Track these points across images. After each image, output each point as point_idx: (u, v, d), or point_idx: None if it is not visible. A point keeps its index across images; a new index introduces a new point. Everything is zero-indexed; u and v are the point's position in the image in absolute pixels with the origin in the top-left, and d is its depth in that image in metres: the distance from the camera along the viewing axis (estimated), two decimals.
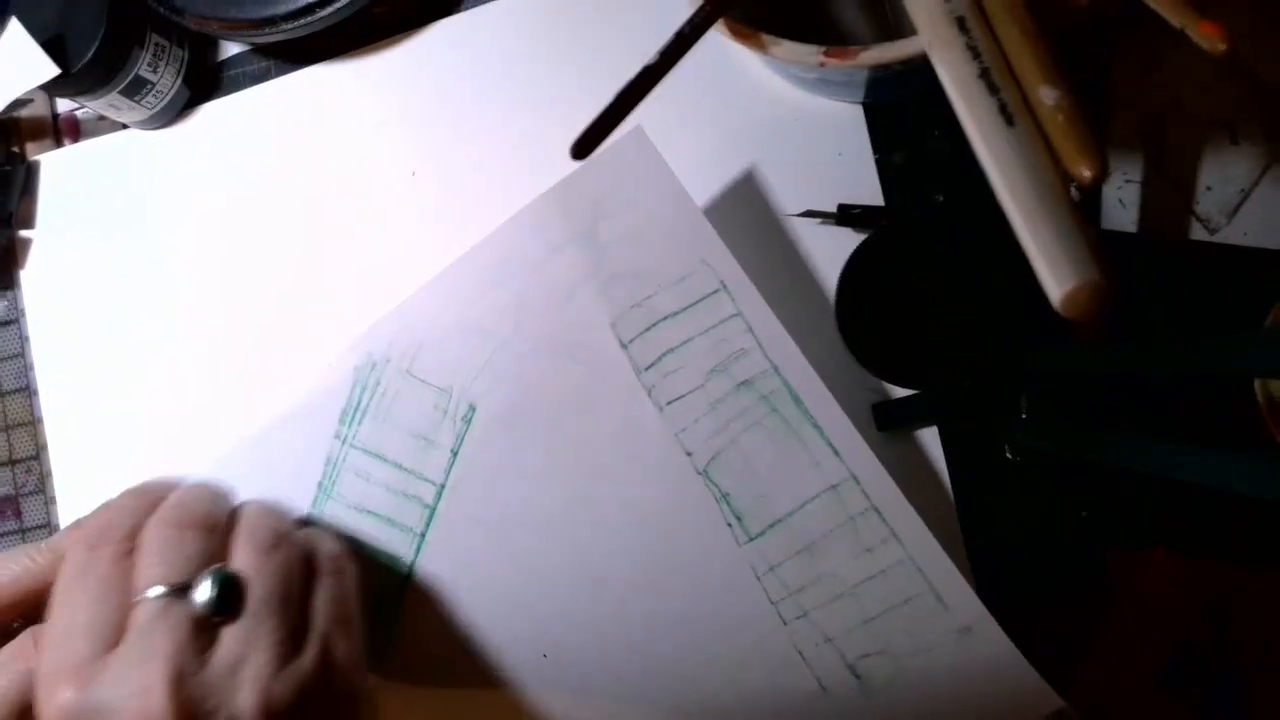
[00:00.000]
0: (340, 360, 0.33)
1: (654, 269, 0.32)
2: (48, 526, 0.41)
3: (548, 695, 0.32)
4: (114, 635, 0.24)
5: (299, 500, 0.32)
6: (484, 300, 0.33)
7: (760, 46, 0.32)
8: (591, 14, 0.40)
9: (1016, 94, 0.25)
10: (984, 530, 0.34)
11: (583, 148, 0.29)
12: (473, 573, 0.32)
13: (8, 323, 0.42)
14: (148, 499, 0.27)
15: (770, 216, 0.37)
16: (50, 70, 0.37)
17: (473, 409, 0.33)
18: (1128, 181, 0.35)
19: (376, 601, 0.32)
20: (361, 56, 0.42)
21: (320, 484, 0.33)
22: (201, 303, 0.41)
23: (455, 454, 0.33)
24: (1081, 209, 0.23)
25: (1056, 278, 0.22)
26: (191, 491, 0.28)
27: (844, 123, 0.37)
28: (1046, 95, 0.24)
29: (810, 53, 0.31)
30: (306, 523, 0.32)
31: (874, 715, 0.31)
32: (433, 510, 0.33)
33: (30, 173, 0.43)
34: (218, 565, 0.26)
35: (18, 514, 0.41)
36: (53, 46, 0.37)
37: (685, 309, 0.32)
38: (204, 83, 0.43)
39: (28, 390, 0.42)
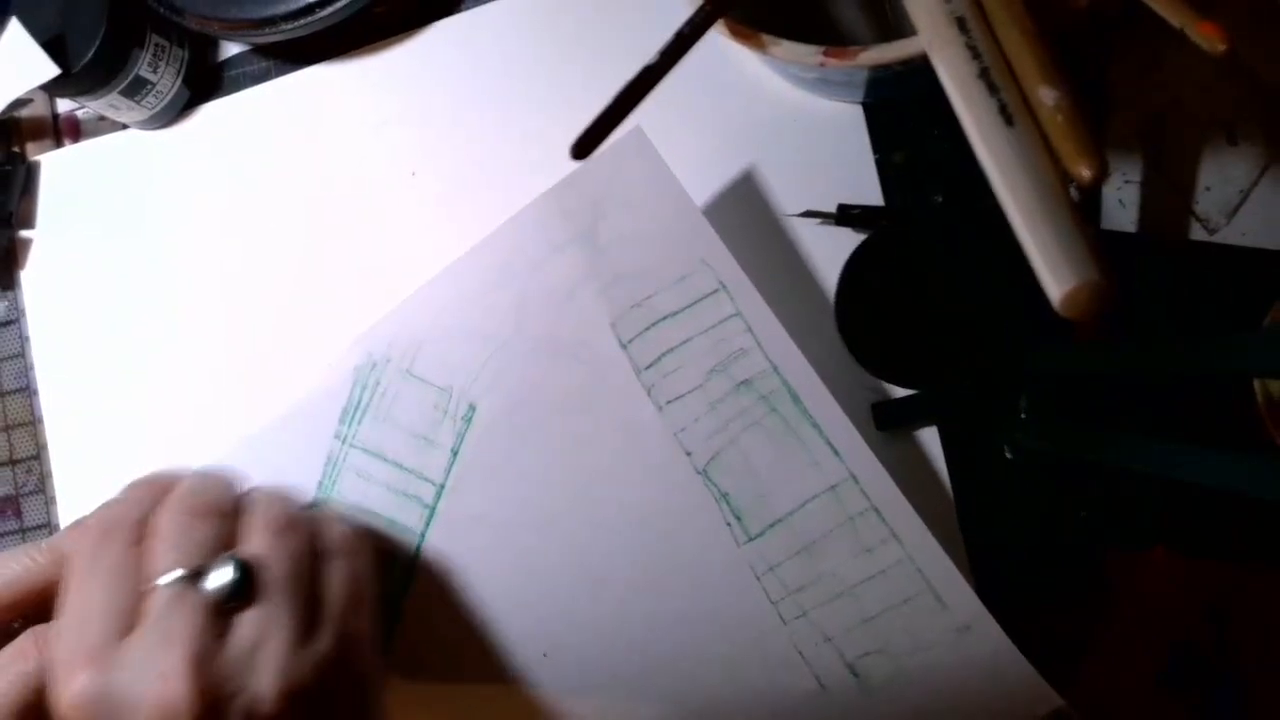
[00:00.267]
0: (340, 360, 0.33)
1: (654, 269, 0.32)
2: (48, 526, 0.41)
3: (548, 694, 0.32)
4: (128, 622, 0.24)
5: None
6: (484, 300, 0.33)
7: (760, 46, 0.32)
8: (592, 14, 0.40)
9: (1016, 94, 0.25)
10: (983, 530, 0.34)
11: (583, 148, 0.29)
12: (473, 572, 0.32)
13: (8, 323, 0.42)
14: (154, 489, 0.27)
15: (770, 216, 0.37)
16: (50, 70, 0.37)
17: (473, 409, 0.33)
18: (1127, 182, 0.35)
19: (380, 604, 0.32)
20: (362, 56, 0.42)
21: (320, 483, 0.33)
22: (202, 303, 0.41)
23: (455, 454, 0.33)
24: (1081, 209, 0.23)
25: (1056, 278, 0.22)
26: (200, 479, 0.28)
27: (844, 123, 0.37)
28: (1046, 95, 0.24)
29: (810, 53, 0.31)
30: (312, 507, 0.32)
31: (873, 714, 0.31)
32: (433, 510, 0.33)
33: (30, 173, 0.43)
34: (233, 550, 0.26)
35: (18, 514, 0.41)
36: (53, 47, 0.37)
37: (685, 309, 0.32)
38: (204, 83, 0.43)
39: (28, 390, 0.42)
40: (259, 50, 0.43)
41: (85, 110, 0.44)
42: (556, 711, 0.32)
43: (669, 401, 0.32)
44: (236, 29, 0.39)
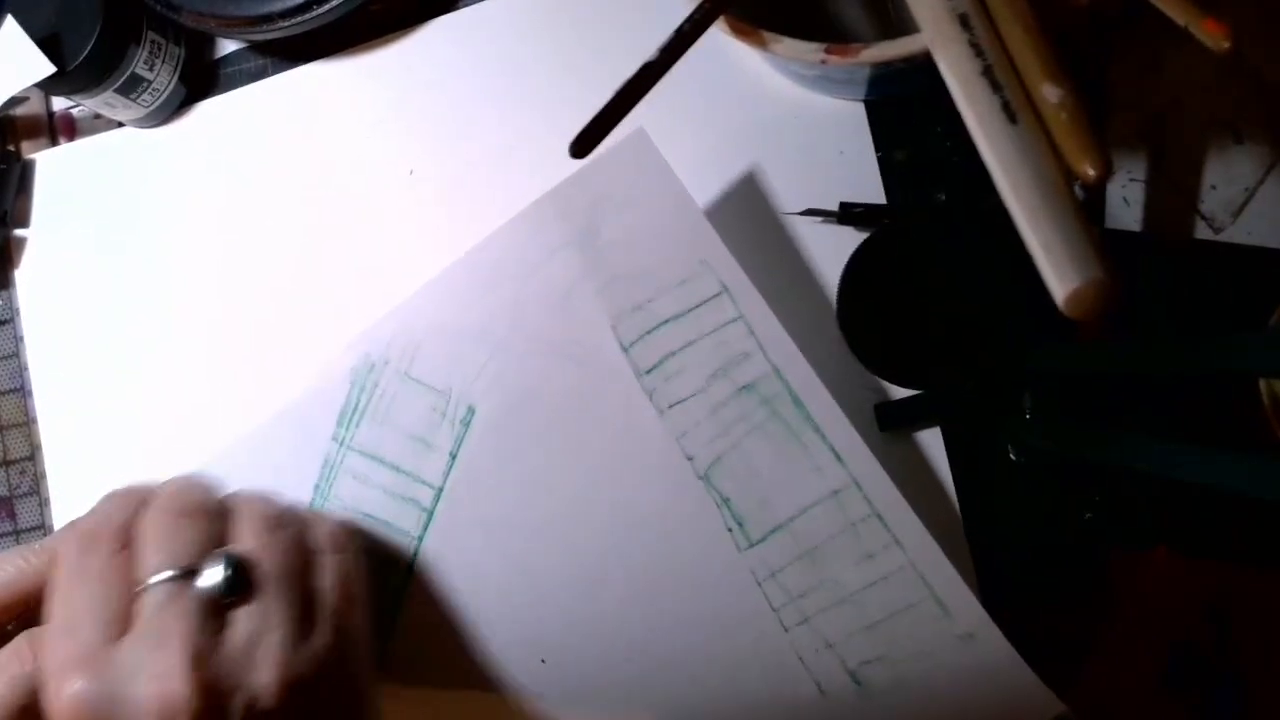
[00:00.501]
0: (338, 361, 0.33)
1: (655, 271, 0.32)
2: (42, 528, 0.40)
3: (546, 701, 0.32)
4: (120, 625, 0.24)
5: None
6: (483, 302, 0.33)
7: (761, 44, 0.32)
8: (591, 11, 0.39)
9: (1019, 92, 0.24)
10: (987, 530, 0.34)
11: (582, 146, 0.28)
12: (471, 577, 0.32)
13: (2, 322, 0.42)
14: (132, 498, 0.27)
15: (771, 215, 0.37)
16: (46, 68, 0.37)
17: (471, 411, 0.33)
18: (1132, 180, 0.35)
19: (373, 605, 0.31)
20: (359, 54, 0.41)
21: (317, 486, 0.32)
22: (198, 302, 0.41)
23: (454, 457, 0.32)
24: (1085, 208, 0.23)
25: (1060, 277, 0.22)
26: (183, 482, 0.28)
27: (846, 120, 0.37)
28: (1050, 93, 0.24)
29: (812, 50, 0.31)
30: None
31: None
32: (430, 513, 0.32)
33: (25, 171, 0.43)
34: (225, 548, 0.26)
35: (12, 516, 0.41)
36: (48, 44, 0.37)
37: (686, 312, 0.32)
38: (200, 80, 0.42)
39: (22, 391, 0.41)
40: (255, 48, 0.42)
41: (81, 108, 0.44)
42: (554, 718, 0.31)
43: (670, 405, 0.32)
44: (233, 26, 0.39)
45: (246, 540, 0.26)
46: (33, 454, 0.41)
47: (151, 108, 0.41)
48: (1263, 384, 0.32)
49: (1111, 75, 0.35)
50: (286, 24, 0.38)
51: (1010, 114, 0.24)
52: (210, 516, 0.27)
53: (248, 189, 0.41)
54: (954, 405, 0.35)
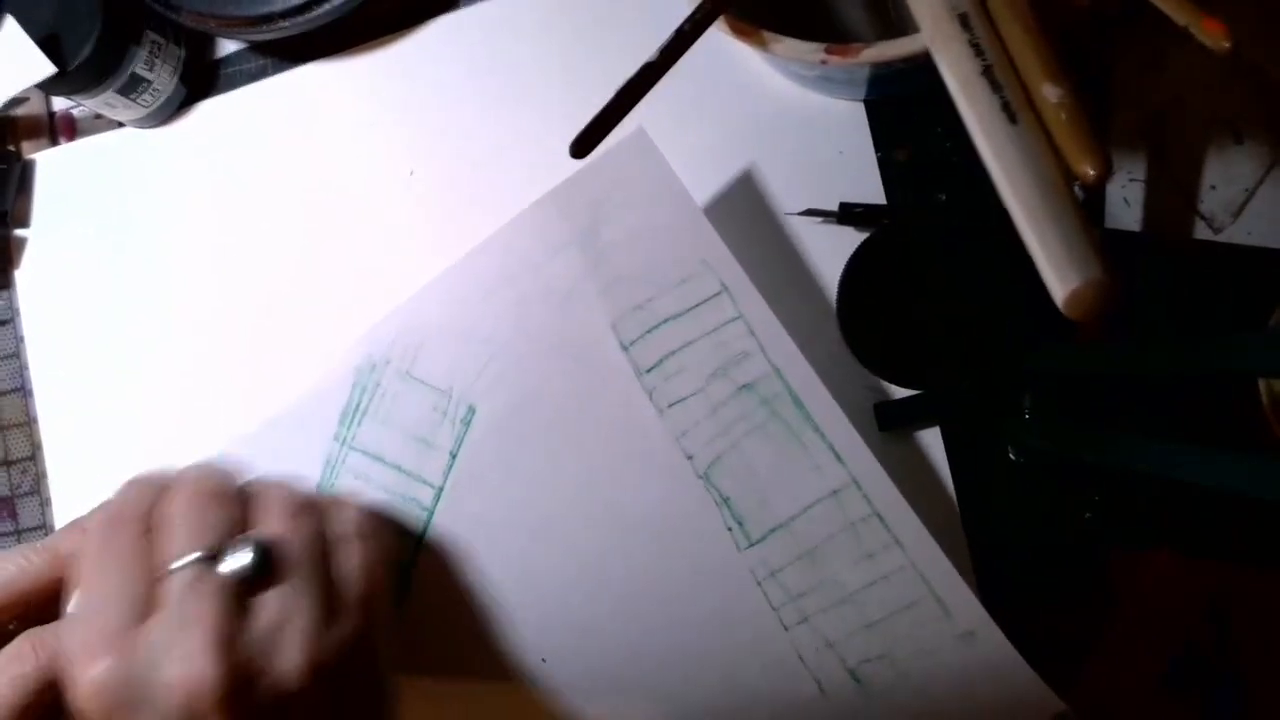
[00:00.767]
0: (340, 361, 0.33)
1: (655, 271, 0.32)
2: (43, 528, 0.40)
3: (547, 700, 0.32)
4: (144, 608, 0.24)
5: None
6: (484, 302, 0.33)
7: (761, 44, 0.32)
8: (591, 11, 0.39)
9: (1019, 92, 0.24)
10: (987, 531, 0.34)
11: (583, 146, 0.28)
12: (471, 576, 0.32)
13: (3, 322, 0.42)
14: (154, 485, 0.27)
15: (771, 215, 0.37)
16: (46, 68, 0.37)
17: (472, 411, 0.33)
18: (1131, 180, 0.35)
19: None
20: (359, 54, 0.41)
21: (319, 485, 0.32)
22: (198, 302, 0.41)
23: (454, 456, 0.32)
24: (1085, 208, 0.23)
25: (1060, 277, 0.22)
26: (205, 468, 0.28)
27: (845, 120, 0.37)
28: (1050, 93, 0.24)
29: (812, 50, 0.31)
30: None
31: None
32: (431, 513, 0.32)
33: (26, 171, 0.43)
34: (251, 532, 0.26)
35: (13, 515, 0.41)
36: (49, 44, 0.37)
37: (686, 311, 0.32)
38: (200, 81, 0.42)
39: (23, 390, 0.41)
40: (256, 48, 0.42)
41: (81, 108, 0.44)
42: (555, 717, 0.31)
43: (670, 405, 0.32)
44: (233, 26, 0.39)
45: (271, 525, 0.26)
46: (34, 454, 0.41)
47: (152, 108, 0.41)
48: (1262, 384, 0.32)
49: (1114, 73, 0.35)
50: (286, 24, 0.38)
51: (1010, 114, 0.24)
52: (233, 501, 0.27)
53: (248, 189, 0.41)
54: (953, 405, 0.35)
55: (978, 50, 0.25)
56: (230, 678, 0.23)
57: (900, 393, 0.35)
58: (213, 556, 0.25)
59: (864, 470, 0.31)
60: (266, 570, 0.25)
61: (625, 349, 0.32)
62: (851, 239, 0.36)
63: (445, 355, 0.33)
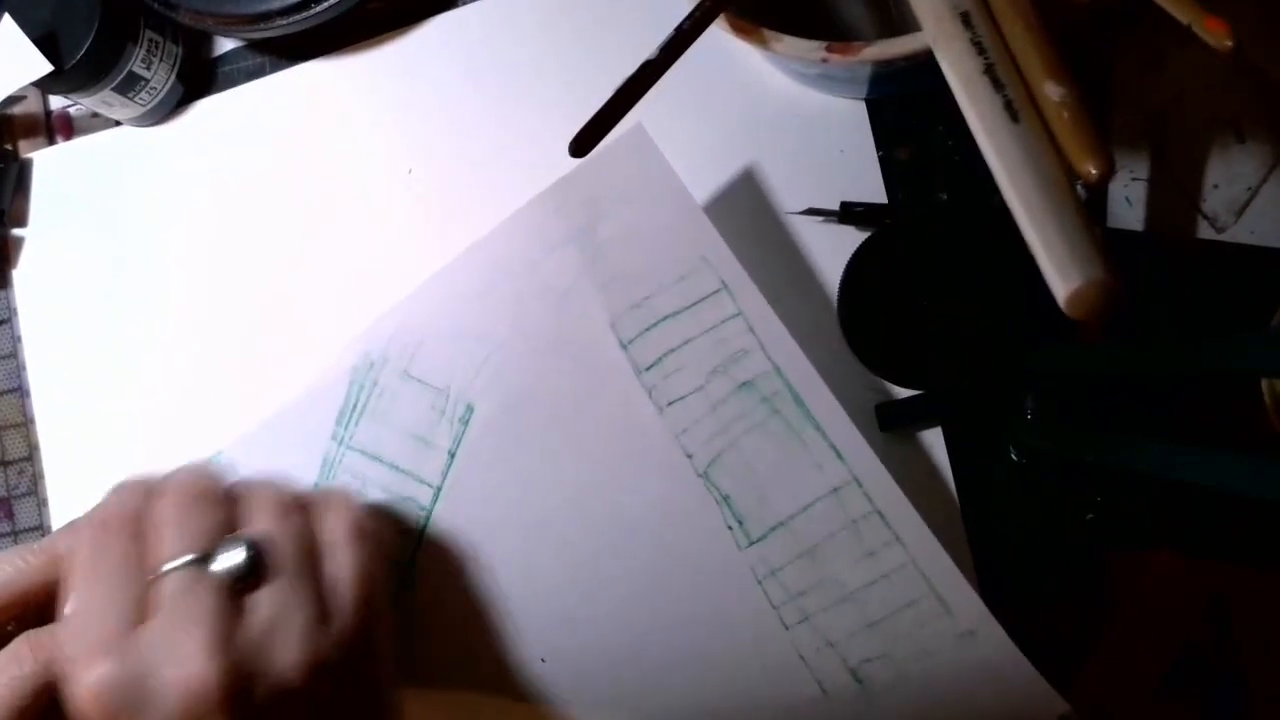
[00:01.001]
0: (337, 360, 0.33)
1: (654, 268, 0.32)
2: (40, 529, 0.40)
3: (546, 700, 0.31)
4: (139, 612, 0.24)
5: None
6: (482, 300, 0.33)
7: (762, 42, 0.32)
8: (591, 10, 0.39)
9: (1021, 90, 0.24)
10: (988, 531, 0.34)
11: (582, 145, 0.28)
12: (470, 576, 0.32)
13: (0, 322, 0.42)
14: (142, 488, 0.27)
15: (771, 214, 0.37)
16: (43, 67, 0.36)
17: (470, 410, 0.32)
18: (1134, 179, 0.35)
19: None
20: (357, 53, 0.41)
21: (317, 485, 0.32)
22: (196, 302, 0.41)
23: (453, 455, 0.32)
24: (1087, 207, 0.23)
25: (1062, 276, 0.22)
26: (192, 469, 0.28)
27: (847, 119, 0.37)
28: (1052, 91, 0.24)
29: (812, 48, 0.31)
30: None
31: None
32: (429, 512, 0.32)
33: (23, 170, 0.43)
34: (242, 532, 0.26)
35: (10, 516, 0.41)
36: (46, 43, 0.37)
37: (686, 309, 0.32)
38: (198, 79, 0.42)
39: (20, 391, 0.41)
40: (253, 46, 0.42)
41: (78, 107, 0.43)
42: (555, 716, 0.31)
43: (670, 403, 0.32)
44: (231, 25, 0.39)
45: (261, 524, 0.26)
46: (31, 454, 0.41)
47: (149, 106, 0.41)
48: (1264, 384, 0.32)
49: (1116, 72, 0.35)
50: (284, 22, 0.38)
51: (1012, 113, 0.24)
52: (223, 502, 0.27)
53: (246, 188, 0.41)
54: (954, 405, 0.34)
55: (980, 49, 0.25)
56: (229, 677, 0.23)
57: (901, 393, 0.35)
58: (204, 558, 0.25)
59: (864, 467, 0.31)
60: (258, 569, 0.25)
61: (624, 347, 0.32)
62: (852, 238, 0.35)
63: (443, 354, 0.33)
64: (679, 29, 0.29)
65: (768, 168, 0.37)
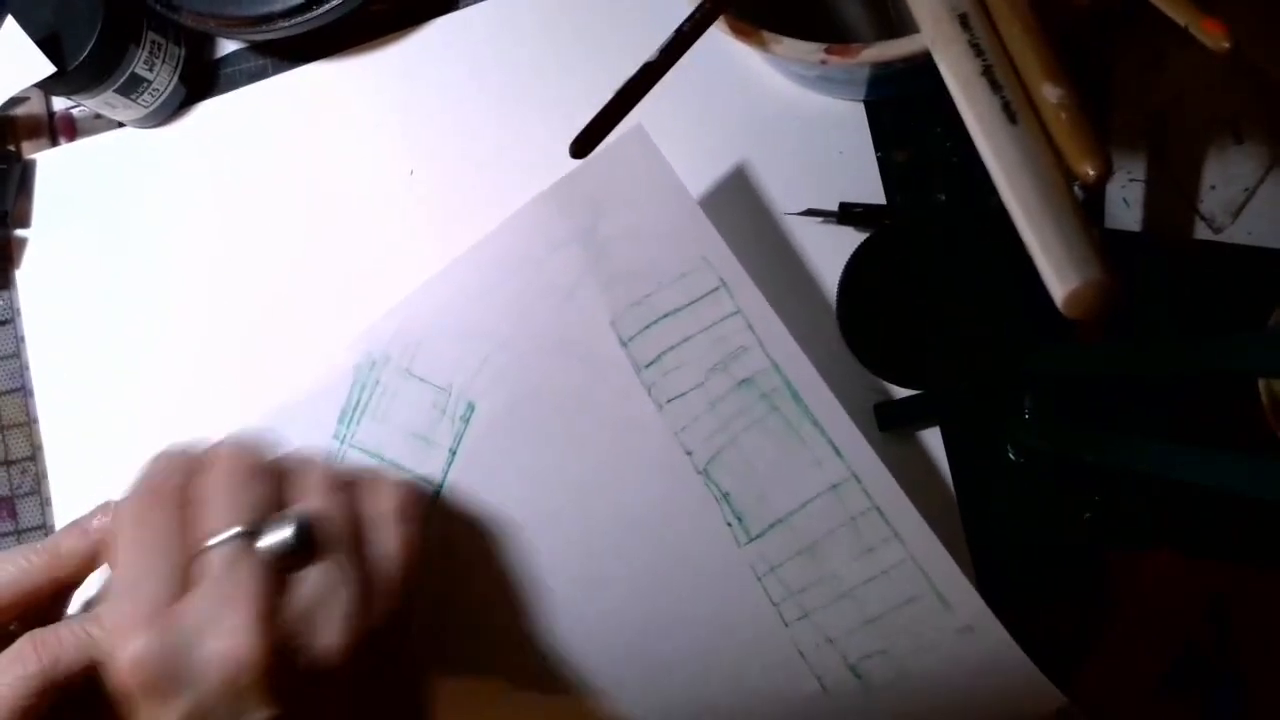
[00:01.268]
0: (339, 359, 0.33)
1: (654, 267, 0.32)
2: (43, 528, 0.40)
3: (546, 697, 0.32)
4: (182, 584, 0.24)
5: None
6: (483, 299, 0.33)
7: (761, 44, 0.32)
8: (591, 11, 0.39)
9: (1019, 92, 0.24)
10: (987, 531, 0.34)
11: (582, 146, 0.28)
12: (470, 574, 0.32)
13: (3, 322, 0.42)
14: (187, 459, 0.27)
15: (771, 215, 0.37)
16: (46, 68, 0.37)
17: (471, 408, 0.33)
18: (1131, 180, 0.35)
19: None
20: (359, 54, 0.41)
21: None
22: (198, 302, 0.41)
23: (454, 453, 0.32)
24: (1085, 208, 0.23)
25: (1060, 277, 0.22)
26: (239, 444, 0.27)
27: (845, 120, 0.37)
28: (1050, 93, 0.24)
29: (811, 50, 0.31)
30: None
31: (876, 716, 0.30)
32: (430, 510, 0.32)
33: (26, 171, 0.43)
34: (291, 509, 0.26)
35: (13, 515, 0.41)
36: (48, 44, 0.37)
37: (685, 306, 0.32)
38: (200, 81, 0.42)
39: (23, 390, 0.41)
40: (256, 48, 0.42)
41: (81, 108, 0.44)
42: (555, 713, 0.31)
43: (669, 400, 0.32)
44: (233, 26, 0.39)
45: (310, 500, 0.26)
46: (34, 454, 0.41)
47: (151, 108, 0.41)
48: (1262, 384, 0.32)
49: (1113, 74, 0.35)
50: (287, 24, 0.38)
51: (1010, 114, 0.24)
52: (271, 477, 0.26)
53: (248, 189, 0.41)
54: (953, 405, 0.35)
55: (978, 50, 0.25)
56: (273, 652, 0.23)
57: (900, 393, 0.35)
58: (251, 533, 0.25)
59: (863, 464, 0.31)
60: (306, 547, 0.25)
61: (624, 344, 0.32)
62: (851, 239, 0.36)
63: (444, 352, 0.33)
64: (679, 31, 0.29)
65: (767, 168, 0.37)
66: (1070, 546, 0.34)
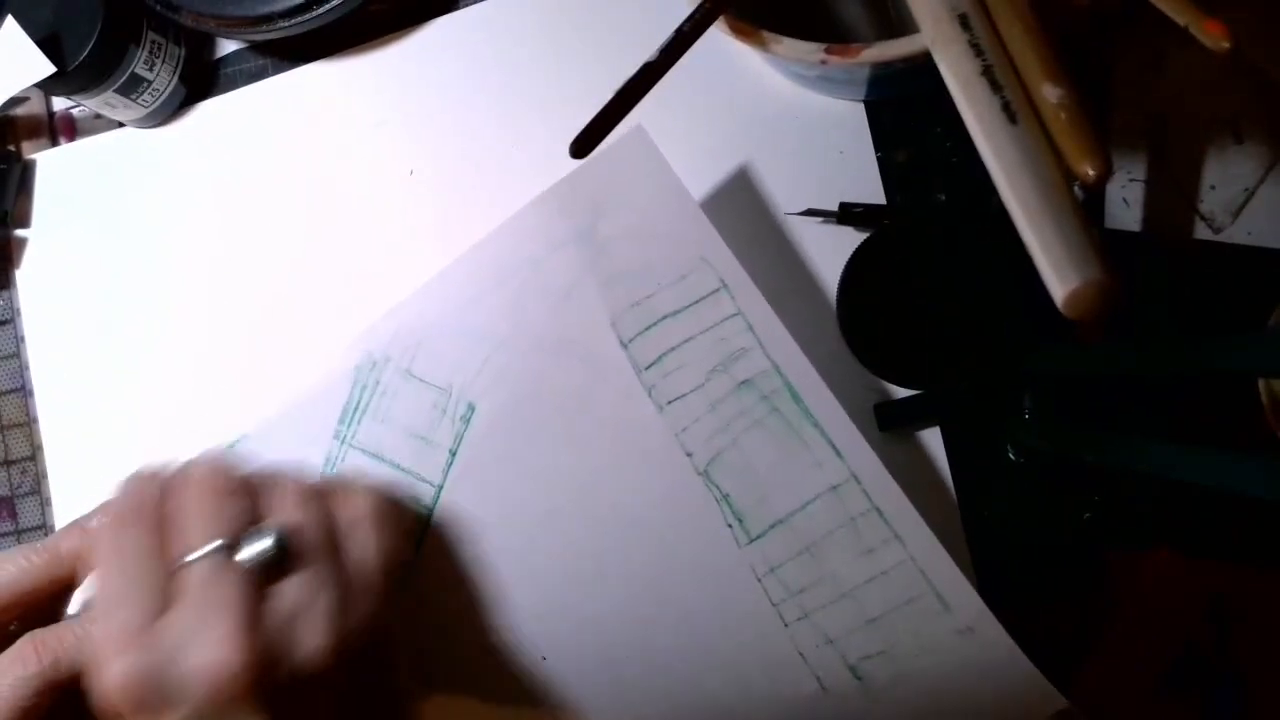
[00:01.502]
0: (340, 359, 0.33)
1: (654, 267, 0.32)
2: (43, 528, 0.40)
3: (547, 697, 0.32)
4: (163, 601, 0.24)
5: None
6: (484, 299, 0.33)
7: (761, 44, 0.32)
8: (591, 11, 0.39)
9: (1019, 92, 0.24)
10: (987, 531, 0.34)
11: (582, 146, 0.28)
12: (470, 575, 0.32)
13: (3, 322, 0.42)
14: (157, 479, 0.27)
15: (771, 215, 0.37)
16: (46, 68, 0.37)
17: (472, 408, 0.33)
18: (1131, 180, 0.35)
19: None
20: (359, 54, 0.41)
21: None
22: (199, 302, 0.41)
23: (454, 454, 0.32)
24: (1085, 208, 0.23)
25: (1060, 277, 0.22)
26: (211, 461, 0.28)
27: (846, 120, 0.37)
28: (1050, 93, 0.24)
29: (812, 50, 0.31)
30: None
31: (876, 717, 0.30)
32: (431, 511, 0.32)
33: (26, 171, 0.43)
34: (268, 521, 0.26)
35: (13, 515, 0.41)
36: (49, 44, 0.37)
37: (685, 308, 0.32)
38: (200, 81, 0.42)
39: (23, 390, 0.41)
40: (256, 48, 0.42)
41: (81, 108, 0.44)
42: (556, 714, 0.31)
43: (670, 401, 0.32)
44: (233, 26, 0.39)
45: (285, 513, 0.26)
46: (34, 454, 0.41)
47: (152, 108, 0.41)
48: (1262, 384, 0.32)
49: (1113, 74, 0.35)
50: (287, 24, 0.38)
51: (1010, 114, 0.24)
52: (245, 492, 0.27)
53: (248, 189, 0.41)
54: (953, 405, 0.35)
55: (978, 50, 0.25)
56: (257, 660, 0.23)
57: (900, 393, 0.35)
58: (229, 546, 0.25)
59: (863, 465, 0.31)
60: (285, 557, 0.25)
61: (624, 345, 0.32)
62: (851, 239, 0.36)
63: (445, 353, 0.33)
64: (679, 31, 0.29)
65: (767, 169, 0.37)
66: (1070, 546, 0.34)
